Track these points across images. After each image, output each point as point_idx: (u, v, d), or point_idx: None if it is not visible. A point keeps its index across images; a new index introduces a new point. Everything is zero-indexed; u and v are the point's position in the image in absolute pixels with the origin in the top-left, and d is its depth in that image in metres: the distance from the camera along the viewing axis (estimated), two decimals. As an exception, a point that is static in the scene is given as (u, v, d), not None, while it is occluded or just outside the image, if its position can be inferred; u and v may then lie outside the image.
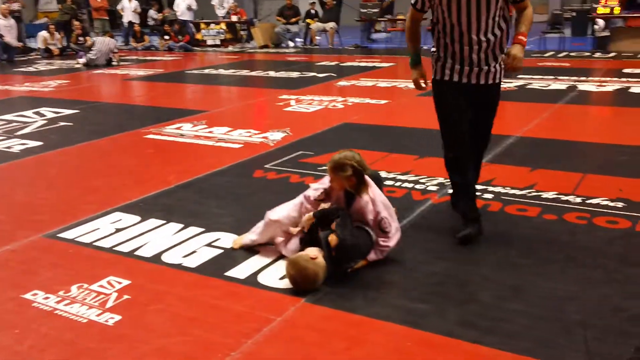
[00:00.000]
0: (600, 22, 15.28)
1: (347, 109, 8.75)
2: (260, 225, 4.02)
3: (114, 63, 15.58)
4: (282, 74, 12.84)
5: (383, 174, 5.45)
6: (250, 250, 4.02)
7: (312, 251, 3.53)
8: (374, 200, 3.70)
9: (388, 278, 3.62)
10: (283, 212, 3.95)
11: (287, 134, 7.20)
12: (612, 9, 14.71)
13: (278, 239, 3.93)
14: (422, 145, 6.50)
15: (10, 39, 17.68)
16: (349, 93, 10.05)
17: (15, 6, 19.80)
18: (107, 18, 20.86)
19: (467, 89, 4.02)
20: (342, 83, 11.25)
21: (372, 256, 3.72)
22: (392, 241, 3.76)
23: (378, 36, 21.09)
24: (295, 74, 12.70)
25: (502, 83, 4.11)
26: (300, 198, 3.96)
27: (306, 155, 6.24)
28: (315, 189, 3.89)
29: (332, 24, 18.86)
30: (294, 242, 3.82)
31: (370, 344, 2.99)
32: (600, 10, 14.93)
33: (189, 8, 20.07)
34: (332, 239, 3.50)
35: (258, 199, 5.05)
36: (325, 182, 3.87)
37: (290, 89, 10.68)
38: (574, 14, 17.95)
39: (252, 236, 4.05)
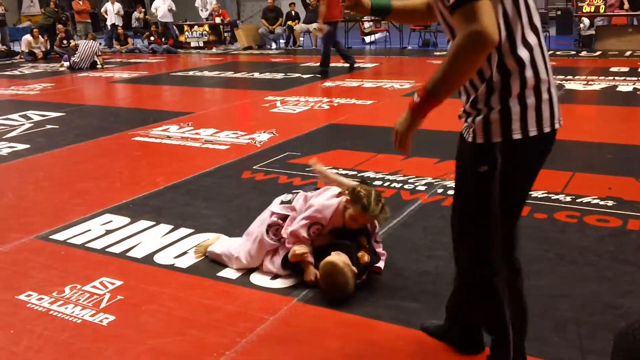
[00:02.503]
0: (586, 21, 15.41)
1: (332, 109, 8.77)
2: (230, 257, 3.84)
3: (98, 66, 15.50)
4: (267, 76, 12.84)
5: (371, 174, 5.48)
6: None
7: (347, 259, 3.43)
8: None
9: (379, 277, 3.63)
10: (250, 254, 3.76)
11: (273, 135, 7.21)
12: (597, 7, 14.86)
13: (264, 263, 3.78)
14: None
15: (-6, 43, 17.62)
16: (335, 94, 10.07)
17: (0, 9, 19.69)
18: (89, 21, 20.75)
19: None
20: (327, 84, 11.28)
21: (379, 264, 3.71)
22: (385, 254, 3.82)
23: (372, 38, 20.56)
24: (280, 75, 12.71)
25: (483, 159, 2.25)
26: (261, 231, 3.79)
27: (293, 156, 6.25)
28: (303, 224, 3.60)
29: (315, 25, 18.86)
30: (278, 260, 3.70)
31: (362, 343, 3.01)
32: (586, 9, 15.07)
33: (170, 10, 20.00)
34: (364, 256, 3.51)
35: (247, 199, 5.06)
36: (320, 215, 3.61)
37: (276, 90, 10.68)
38: (559, 12, 18.10)
39: (217, 258, 3.92)
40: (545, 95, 2.16)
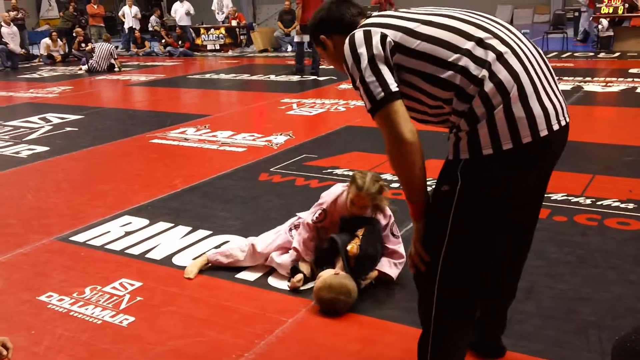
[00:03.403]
0: (604, 22, 15.31)
1: (349, 111, 8.77)
2: (235, 249, 3.84)
3: (116, 69, 15.60)
4: (283, 78, 12.86)
5: (388, 176, 5.46)
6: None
7: (331, 270, 3.42)
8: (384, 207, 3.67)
9: (396, 280, 3.61)
10: (268, 243, 3.79)
11: (290, 137, 7.21)
12: (615, 8, 14.75)
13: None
14: (424, 147, 6.51)
15: (14, 46, 17.75)
16: (351, 96, 10.03)
17: (20, 14, 19.84)
18: (102, 25, 20.87)
19: None
20: (343, 86, 11.25)
21: (390, 270, 3.60)
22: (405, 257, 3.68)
23: None
24: (295, 78, 12.71)
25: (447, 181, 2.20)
26: (285, 228, 3.87)
27: (310, 159, 6.25)
28: (312, 212, 3.72)
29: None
30: (286, 257, 3.71)
31: (382, 345, 3.00)
32: (604, 10, 14.96)
33: (187, 13, 20.09)
34: (353, 248, 3.44)
35: (264, 202, 5.06)
36: (323, 203, 3.71)
37: (292, 93, 10.69)
38: (576, 14, 18.00)
39: (221, 258, 3.83)
40: (516, 109, 2.03)
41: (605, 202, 4.63)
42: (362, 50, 2.14)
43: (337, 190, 3.72)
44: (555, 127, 2.11)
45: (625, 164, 5.65)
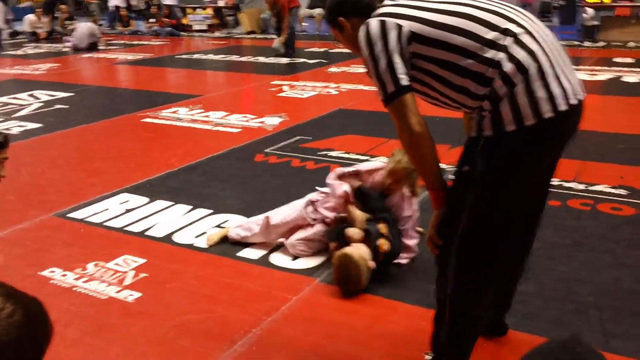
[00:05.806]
0: (590, 11, 15.39)
1: (341, 94, 8.77)
2: (252, 223, 3.91)
3: (100, 47, 15.45)
4: (272, 60, 12.80)
5: (384, 159, 5.50)
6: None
7: (366, 253, 3.39)
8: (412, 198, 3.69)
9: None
10: (284, 217, 3.82)
11: (284, 119, 7.22)
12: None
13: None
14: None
15: (-2, 21, 17.48)
16: (341, 79, 10.05)
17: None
18: (98, 1, 20.65)
19: None
20: (333, 69, 11.25)
21: (402, 261, 3.63)
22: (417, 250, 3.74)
23: None
24: (285, 60, 12.67)
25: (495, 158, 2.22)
26: (302, 203, 3.86)
27: (305, 140, 6.27)
28: (332, 200, 3.72)
29: (319, 10, 18.75)
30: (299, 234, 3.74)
31: (387, 323, 3.05)
32: (590, -1, 15.06)
33: (174, -8, 19.91)
34: (383, 245, 3.44)
35: (262, 182, 5.09)
36: (336, 190, 3.68)
37: (282, 75, 10.68)
38: (563, 2, 18.05)
39: (240, 231, 3.90)
40: (536, 86, 2.10)
41: (598, 188, 4.71)
42: (378, 42, 2.19)
43: (376, 164, 3.81)
44: (573, 101, 2.18)
45: (615, 151, 5.75)
